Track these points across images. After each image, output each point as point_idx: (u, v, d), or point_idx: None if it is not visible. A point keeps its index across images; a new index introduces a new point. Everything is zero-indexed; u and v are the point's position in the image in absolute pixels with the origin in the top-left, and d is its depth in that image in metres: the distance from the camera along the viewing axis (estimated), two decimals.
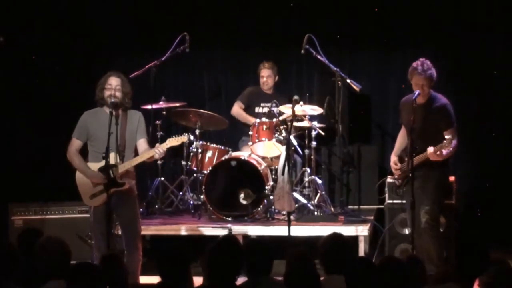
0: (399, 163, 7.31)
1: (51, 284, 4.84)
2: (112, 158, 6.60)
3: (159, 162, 9.08)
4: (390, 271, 4.50)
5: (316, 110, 8.72)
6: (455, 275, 4.94)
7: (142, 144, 6.83)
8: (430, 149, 6.94)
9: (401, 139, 7.40)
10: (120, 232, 7.15)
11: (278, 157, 8.49)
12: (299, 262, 4.93)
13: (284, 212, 7.90)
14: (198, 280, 5.13)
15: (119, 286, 4.96)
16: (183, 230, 8.43)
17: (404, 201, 7.51)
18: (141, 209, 8.70)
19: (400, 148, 7.35)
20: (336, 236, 5.18)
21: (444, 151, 6.94)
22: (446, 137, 6.93)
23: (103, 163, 6.64)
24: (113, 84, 6.80)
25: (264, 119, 8.88)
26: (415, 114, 6.95)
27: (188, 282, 4.94)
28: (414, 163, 6.93)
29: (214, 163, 8.81)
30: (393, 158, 7.36)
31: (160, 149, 6.73)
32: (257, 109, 9.35)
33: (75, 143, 6.89)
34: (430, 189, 7.10)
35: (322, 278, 4.78)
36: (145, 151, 6.79)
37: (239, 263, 4.71)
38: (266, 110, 9.21)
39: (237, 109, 9.40)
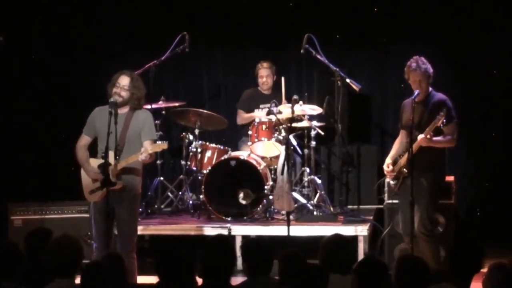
0: (392, 166, 7.27)
1: (57, 283, 4.83)
2: (110, 157, 6.60)
3: (158, 162, 9.08)
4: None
5: (315, 109, 8.72)
6: (450, 274, 4.94)
7: (146, 145, 6.77)
8: (420, 135, 6.88)
9: (398, 145, 7.33)
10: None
11: (277, 156, 8.49)
12: (292, 263, 4.90)
13: (284, 212, 7.89)
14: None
15: (119, 285, 4.96)
16: (182, 230, 8.43)
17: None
18: (140, 209, 8.71)
19: (396, 154, 7.29)
20: (338, 237, 5.17)
21: (437, 138, 6.90)
22: (440, 113, 6.86)
23: (100, 160, 6.68)
24: (121, 83, 6.80)
25: (263, 119, 8.87)
26: (415, 112, 6.94)
27: (189, 283, 4.91)
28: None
29: (213, 163, 8.81)
30: (387, 161, 7.32)
31: (144, 155, 6.61)
32: (256, 111, 9.33)
33: (83, 139, 6.94)
34: (421, 195, 7.03)
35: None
36: (134, 154, 6.72)
37: (231, 263, 4.70)
38: (265, 111, 9.19)
39: (241, 118, 9.39)
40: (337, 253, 4.99)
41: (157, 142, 6.89)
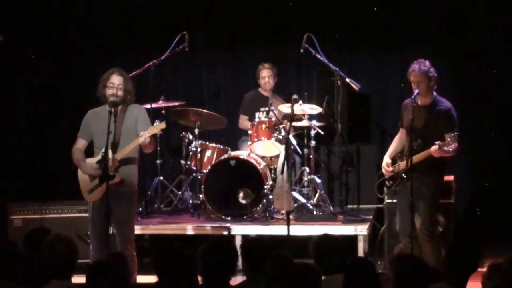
0: (391, 166, 7.27)
1: (54, 284, 4.82)
2: (109, 154, 6.61)
3: (158, 161, 9.08)
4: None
5: (315, 109, 8.72)
6: (446, 274, 4.94)
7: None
8: (435, 147, 6.89)
9: (397, 143, 7.33)
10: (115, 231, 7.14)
11: (277, 156, 8.49)
12: (279, 266, 4.85)
13: (283, 212, 7.89)
14: None
15: (121, 285, 4.95)
16: (182, 229, 8.43)
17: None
18: (140, 208, 8.74)
19: (394, 152, 7.29)
20: (325, 237, 5.14)
21: (450, 148, 6.90)
22: (448, 136, 6.88)
23: (98, 157, 6.70)
24: (116, 83, 6.80)
25: (263, 119, 8.88)
26: (418, 115, 6.93)
27: (188, 282, 4.92)
28: (413, 161, 6.92)
29: (213, 162, 8.81)
30: (386, 160, 7.32)
31: (143, 137, 6.66)
32: (257, 115, 9.31)
33: (79, 142, 6.94)
34: (423, 198, 7.04)
35: (323, 278, 4.74)
36: (133, 141, 6.76)
37: (231, 263, 4.70)
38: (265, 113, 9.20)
39: (243, 123, 9.39)
40: (327, 253, 4.97)
41: (155, 123, 6.88)
